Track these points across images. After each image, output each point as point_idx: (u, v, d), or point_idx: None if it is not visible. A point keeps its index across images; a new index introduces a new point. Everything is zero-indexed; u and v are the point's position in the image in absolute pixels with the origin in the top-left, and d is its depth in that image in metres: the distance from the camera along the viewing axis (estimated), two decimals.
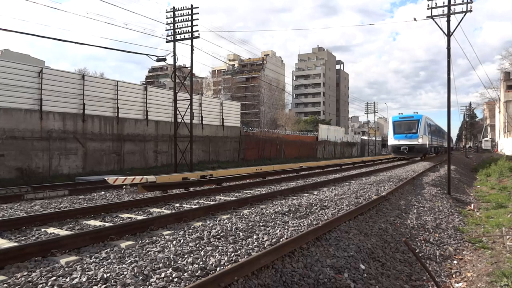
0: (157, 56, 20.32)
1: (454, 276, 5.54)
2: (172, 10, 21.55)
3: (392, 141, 30.55)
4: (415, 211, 8.91)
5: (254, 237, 5.21)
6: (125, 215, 6.70)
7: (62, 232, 5.35)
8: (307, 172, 16.90)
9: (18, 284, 3.29)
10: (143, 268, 3.72)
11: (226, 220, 5.97)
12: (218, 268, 3.93)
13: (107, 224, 5.93)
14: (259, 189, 11.02)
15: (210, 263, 4.07)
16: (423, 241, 6.64)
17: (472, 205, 11.37)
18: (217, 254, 4.35)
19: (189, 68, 22.26)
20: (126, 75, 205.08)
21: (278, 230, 5.70)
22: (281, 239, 5.24)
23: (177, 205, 7.84)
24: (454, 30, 14.12)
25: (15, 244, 4.68)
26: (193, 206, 7.58)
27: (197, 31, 20.95)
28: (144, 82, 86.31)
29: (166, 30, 21.62)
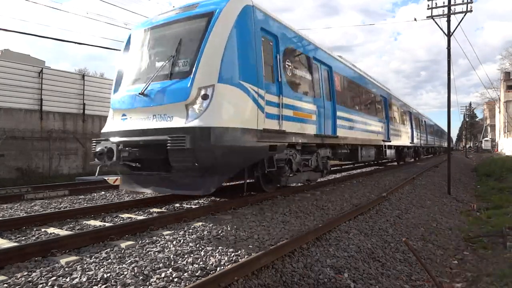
0: None
1: (454, 276, 5.53)
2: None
3: (111, 123, 7.39)
4: (415, 211, 8.91)
5: (255, 237, 5.21)
6: (125, 215, 6.69)
7: (62, 232, 5.35)
8: None
9: (18, 284, 3.29)
10: (143, 268, 3.72)
11: (226, 220, 5.97)
12: (218, 268, 3.93)
13: (107, 224, 5.93)
14: None
15: (210, 263, 4.07)
16: (423, 241, 6.63)
17: (472, 205, 11.36)
18: (217, 254, 4.35)
19: None
20: None
21: (278, 230, 5.70)
22: (281, 239, 5.25)
23: (177, 205, 7.83)
24: (454, 30, 14.16)
25: (15, 244, 4.67)
26: (193, 206, 7.57)
27: None
28: None
29: None
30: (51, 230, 5.50)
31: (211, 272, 3.81)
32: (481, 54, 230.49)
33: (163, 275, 3.60)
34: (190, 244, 4.61)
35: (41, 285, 3.29)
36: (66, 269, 3.68)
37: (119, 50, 8.68)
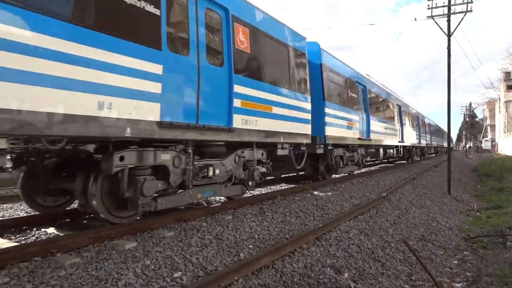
0: None
1: (454, 276, 5.53)
2: None
3: None
4: (415, 211, 8.91)
5: (255, 237, 5.22)
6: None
7: (62, 232, 5.35)
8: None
9: (19, 284, 3.29)
10: (144, 268, 3.72)
11: (226, 220, 5.97)
12: (218, 268, 3.94)
13: (107, 224, 5.92)
14: (259, 189, 11.02)
15: (211, 262, 4.07)
16: (423, 241, 6.63)
17: (472, 205, 11.37)
18: (217, 254, 4.35)
19: None
20: None
21: (278, 230, 5.70)
22: (282, 239, 5.25)
23: None
24: (454, 30, 14.16)
25: (15, 244, 4.68)
26: (193, 206, 7.58)
27: None
28: None
29: None
30: (51, 230, 5.49)
31: (212, 272, 3.82)
32: (484, 53, 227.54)
33: (164, 275, 3.61)
34: (191, 244, 4.61)
35: (41, 285, 3.30)
36: (67, 269, 3.68)
37: None
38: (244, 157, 7.31)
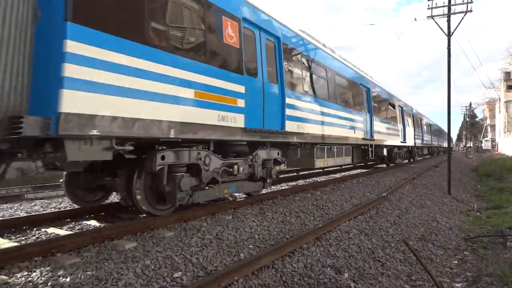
0: None
1: (454, 276, 5.53)
2: None
3: None
4: (415, 211, 8.91)
5: (255, 237, 5.22)
6: (126, 215, 6.69)
7: (62, 232, 5.34)
8: (307, 172, 16.89)
9: (18, 284, 3.29)
10: (144, 268, 3.72)
11: (226, 220, 5.98)
12: (218, 268, 3.94)
13: (107, 224, 5.93)
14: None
15: (211, 262, 4.07)
16: (423, 241, 6.63)
17: (472, 205, 11.36)
18: (217, 254, 4.35)
19: None
20: None
21: (278, 230, 5.71)
22: (281, 239, 5.26)
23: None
24: (454, 30, 14.17)
25: (15, 244, 4.68)
26: (193, 206, 7.57)
27: None
28: None
29: None
30: (51, 230, 5.49)
31: (212, 272, 3.82)
32: (485, 53, 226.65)
33: (164, 275, 3.61)
34: (191, 244, 4.61)
35: (41, 285, 3.30)
36: (66, 269, 3.68)
37: None
38: None
